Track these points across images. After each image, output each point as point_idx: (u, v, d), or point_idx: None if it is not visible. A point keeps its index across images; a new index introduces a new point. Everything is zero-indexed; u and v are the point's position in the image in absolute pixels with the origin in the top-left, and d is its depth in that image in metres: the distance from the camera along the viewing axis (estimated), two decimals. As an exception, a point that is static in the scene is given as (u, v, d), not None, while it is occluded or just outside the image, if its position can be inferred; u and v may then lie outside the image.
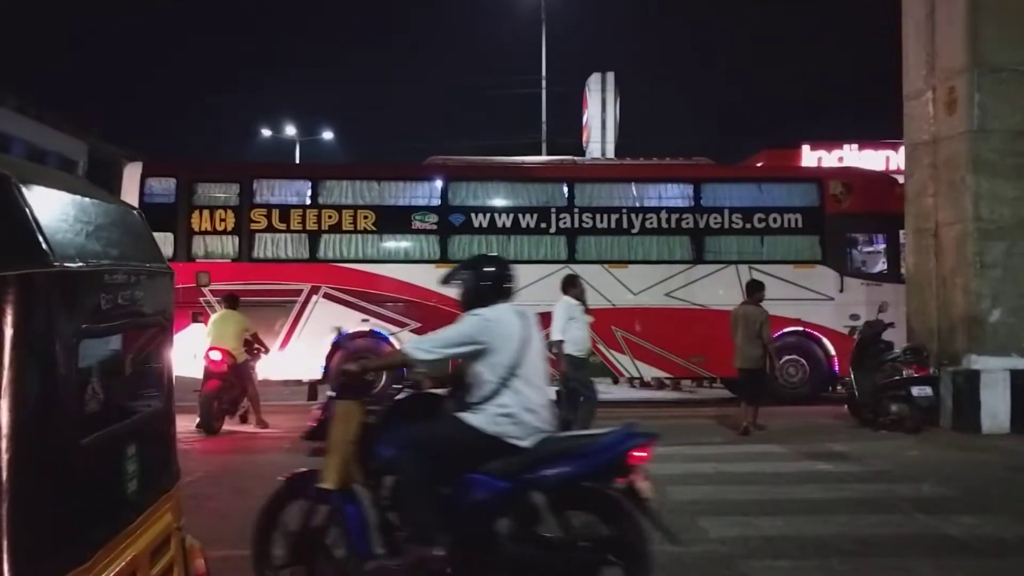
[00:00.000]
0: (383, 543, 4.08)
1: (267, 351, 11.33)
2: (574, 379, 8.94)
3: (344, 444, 4.19)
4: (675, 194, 13.39)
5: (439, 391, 4.55)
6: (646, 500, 3.84)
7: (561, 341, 8.82)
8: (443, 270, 13.23)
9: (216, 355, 10.46)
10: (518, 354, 4.07)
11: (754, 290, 10.45)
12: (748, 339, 10.08)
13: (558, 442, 4.06)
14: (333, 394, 4.42)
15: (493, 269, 4.40)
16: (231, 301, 11.04)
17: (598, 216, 12.99)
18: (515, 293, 4.43)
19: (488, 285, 4.29)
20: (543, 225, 12.93)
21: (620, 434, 3.98)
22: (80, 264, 2.21)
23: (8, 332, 1.92)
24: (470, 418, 4.06)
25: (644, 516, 3.86)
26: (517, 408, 4.03)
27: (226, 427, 10.64)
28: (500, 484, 3.89)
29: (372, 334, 12.54)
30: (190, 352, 10.98)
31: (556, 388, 9.18)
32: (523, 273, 13.25)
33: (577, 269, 12.67)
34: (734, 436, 9.90)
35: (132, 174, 12.73)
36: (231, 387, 10.70)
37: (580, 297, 9.19)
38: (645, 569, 3.87)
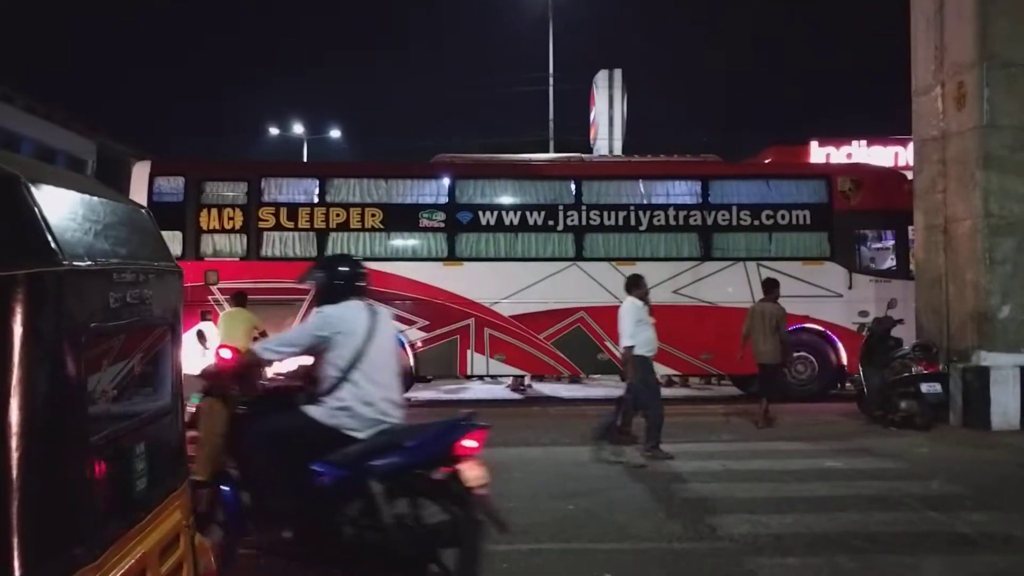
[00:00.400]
0: (255, 524, 4.38)
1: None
2: (641, 381, 8.63)
3: (212, 437, 4.48)
4: (683, 191, 13.37)
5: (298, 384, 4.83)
6: (473, 489, 3.99)
7: (632, 346, 8.53)
8: (451, 267, 13.44)
9: (227, 353, 10.47)
10: (360, 349, 4.29)
11: (771, 288, 10.68)
12: (766, 335, 10.30)
13: (392, 433, 4.25)
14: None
15: (345, 268, 4.68)
16: (239, 299, 11.06)
17: (606, 213, 12.98)
18: (367, 290, 4.66)
19: (340, 284, 4.54)
20: (551, 223, 12.93)
21: (448, 424, 4.20)
22: (89, 263, 2.22)
23: (17, 331, 1.93)
24: (312, 410, 4.31)
25: (474, 504, 4.02)
26: (353, 401, 4.26)
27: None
28: (338, 473, 4.11)
29: None
30: (199, 350, 11.00)
31: (621, 395, 8.98)
32: (531, 271, 13.37)
33: (584, 267, 12.72)
34: (742, 433, 9.88)
35: (141, 173, 12.78)
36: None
37: (644, 297, 8.94)
38: (473, 554, 4.04)
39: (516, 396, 14.66)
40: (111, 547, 2.23)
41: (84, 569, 2.07)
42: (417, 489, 4.12)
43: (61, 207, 2.21)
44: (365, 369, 4.29)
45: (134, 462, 2.48)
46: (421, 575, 4.06)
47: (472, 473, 4.00)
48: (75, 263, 2.13)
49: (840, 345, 12.76)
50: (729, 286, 12.73)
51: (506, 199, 13.18)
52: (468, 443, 4.06)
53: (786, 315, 10.53)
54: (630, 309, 8.69)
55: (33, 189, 2.11)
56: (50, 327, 2.02)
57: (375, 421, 4.27)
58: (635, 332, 8.55)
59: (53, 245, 2.06)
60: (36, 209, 2.08)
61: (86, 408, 2.17)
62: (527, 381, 15.36)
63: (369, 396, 4.28)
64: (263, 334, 11.02)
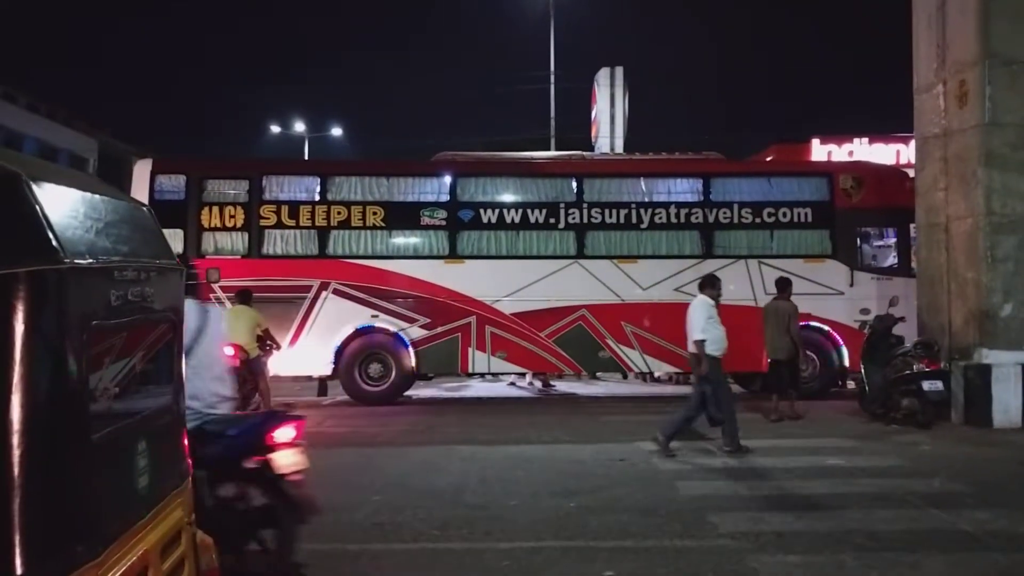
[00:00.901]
0: None
1: (278, 347, 11.37)
2: (714, 378, 8.63)
3: None
4: (685, 189, 13.35)
5: None
6: (285, 476, 4.37)
7: (703, 340, 8.55)
8: (453, 265, 13.46)
9: (228, 350, 10.50)
10: (189, 346, 4.42)
11: (783, 287, 10.94)
12: (779, 332, 10.59)
13: (216, 423, 4.51)
14: None
15: None
16: (244, 297, 11.07)
17: (607, 211, 12.97)
18: (198, 289, 4.95)
19: None
20: (552, 221, 12.92)
21: (263, 417, 4.60)
22: (90, 261, 2.22)
23: (19, 328, 1.93)
24: None
25: (287, 489, 4.37)
26: None
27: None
28: None
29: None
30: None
31: (701, 389, 8.84)
32: (532, 268, 13.39)
33: (586, 264, 12.72)
34: (744, 431, 9.84)
35: (142, 171, 12.78)
36: (244, 382, 10.74)
37: (716, 297, 8.94)
38: (288, 534, 4.45)
39: (528, 394, 14.65)
40: (113, 544, 2.23)
41: (86, 566, 2.07)
42: (238, 475, 4.42)
43: (63, 205, 2.21)
44: (194, 365, 4.46)
45: (135, 459, 2.48)
46: (241, 553, 4.35)
47: (285, 460, 4.34)
48: (76, 261, 2.13)
49: (842, 343, 12.75)
50: (731, 284, 12.71)
51: (507, 197, 13.17)
52: (283, 432, 4.40)
53: (798, 313, 10.76)
54: (701, 306, 8.74)
55: (35, 187, 2.11)
56: (52, 325, 2.02)
57: (200, 414, 4.47)
58: (706, 328, 8.59)
59: (55, 243, 2.06)
60: (38, 207, 2.08)
61: (88, 406, 2.17)
62: (528, 379, 15.38)
63: (196, 391, 4.45)
64: (266, 332, 11.06)
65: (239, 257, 12.62)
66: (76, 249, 2.15)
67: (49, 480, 1.99)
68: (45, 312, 2.00)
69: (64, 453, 2.05)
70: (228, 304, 11.59)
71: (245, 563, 4.40)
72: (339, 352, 12.61)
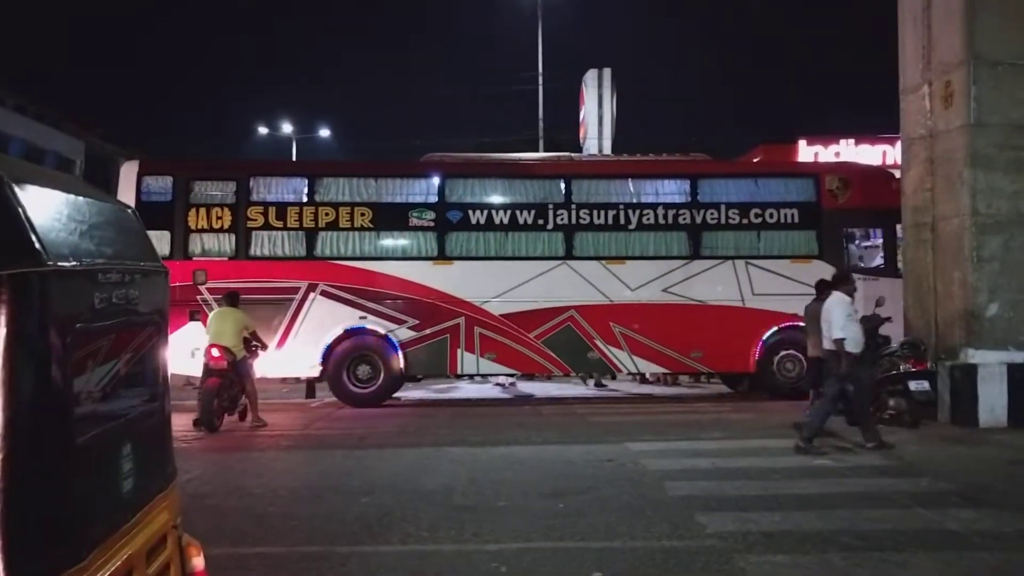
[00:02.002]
0: None
1: (265, 349, 11.35)
2: (850, 376, 8.66)
3: None
4: (672, 190, 13.39)
5: None
6: None
7: (843, 339, 8.58)
8: (441, 266, 13.43)
9: (214, 352, 10.50)
10: None
11: (823, 288, 10.84)
12: (820, 333, 10.51)
13: None
14: None
15: None
16: (231, 299, 11.05)
17: (595, 212, 12.99)
18: None
19: None
20: (541, 222, 12.93)
21: None
22: (74, 263, 2.20)
23: (1, 332, 1.91)
24: None
25: None
26: None
27: (225, 425, 10.65)
28: None
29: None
30: (187, 349, 11.13)
31: (841, 387, 8.83)
32: (521, 269, 13.40)
33: (574, 265, 12.74)
34: (732, 431, 9.91)
35: (129, 173, 12.73)
36: (231, 384, 10.73)
37: (852, 293, 8.98)
38: None
39: (507, 395, 14.68)
40: (97, 549, 2.22)
41: (70, 571, 2.06)
42: None
43: (46, 207, 2.20)
44: None
45: (120, 463, 2.47)
46: None
47: None
48: (60, 263, 2.11)
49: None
50: (719, 284, 12.77)
51: (496, 198, 13.17)
52: None
53: None
54: (839, 303, 8.77)
55: (17, 189, 2.09)
56: (35, 328, 2.01)
57: None
58: (845, 326, 8.60)
59: (37, 245, 2.04)
60: (20, 209, 2.06)
61: (72, 409, 2.15)
62: (511, 380, 15.42)
63: None
64: (253, 334, 11.03)
65: (226, 259, 12.58)
66: (59, 251, 2.14)
67: (33, 484, 1.98)
68: (28, 315, 1.98)
69: (48, 457, 2.04)
70: (215, 306, 11.58)
71: None
72: (327, 354, 12.59)
